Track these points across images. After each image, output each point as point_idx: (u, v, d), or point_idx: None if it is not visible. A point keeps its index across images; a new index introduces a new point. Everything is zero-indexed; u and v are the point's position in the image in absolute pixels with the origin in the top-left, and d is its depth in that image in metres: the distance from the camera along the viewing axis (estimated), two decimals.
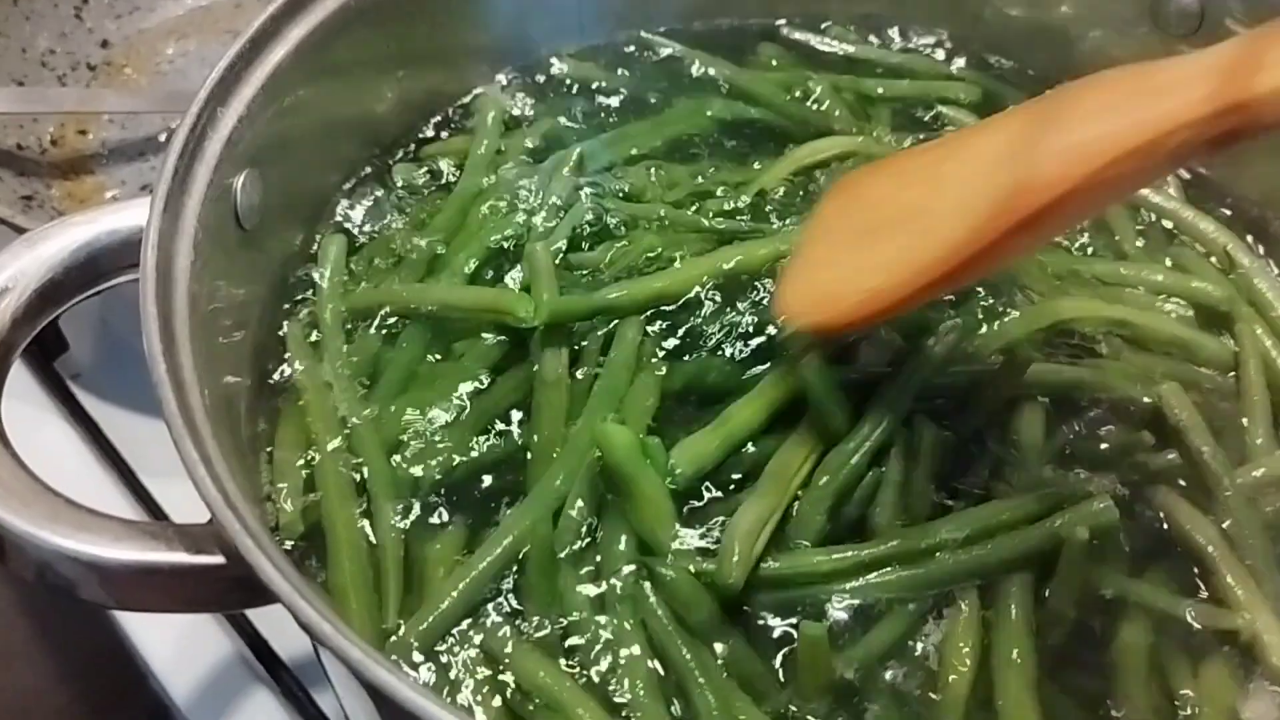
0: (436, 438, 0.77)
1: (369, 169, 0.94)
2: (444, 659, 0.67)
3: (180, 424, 0.60)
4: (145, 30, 1.34)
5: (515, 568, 0.70)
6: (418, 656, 0.67)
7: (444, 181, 0.94)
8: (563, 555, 0.70)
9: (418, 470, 0.75)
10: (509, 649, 0.67)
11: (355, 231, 0.91)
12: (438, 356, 0.82)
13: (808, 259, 0.77)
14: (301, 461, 0.77)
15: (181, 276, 0.69)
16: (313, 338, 0.83)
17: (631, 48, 1.03)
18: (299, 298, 0.86)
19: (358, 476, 0.75)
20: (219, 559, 0.60)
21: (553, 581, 0.69)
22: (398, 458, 0.76)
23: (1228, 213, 0.92)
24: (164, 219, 0.69)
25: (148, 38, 1.34)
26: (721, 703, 0.64)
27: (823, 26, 1.06)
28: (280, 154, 0.82)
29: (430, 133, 0.98)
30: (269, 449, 0.78)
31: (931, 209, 0.68)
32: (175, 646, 0.96)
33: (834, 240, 0.76)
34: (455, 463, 0.75)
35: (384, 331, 0.83)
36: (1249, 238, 0.90)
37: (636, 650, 0.66)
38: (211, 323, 0.73)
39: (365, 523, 0.73)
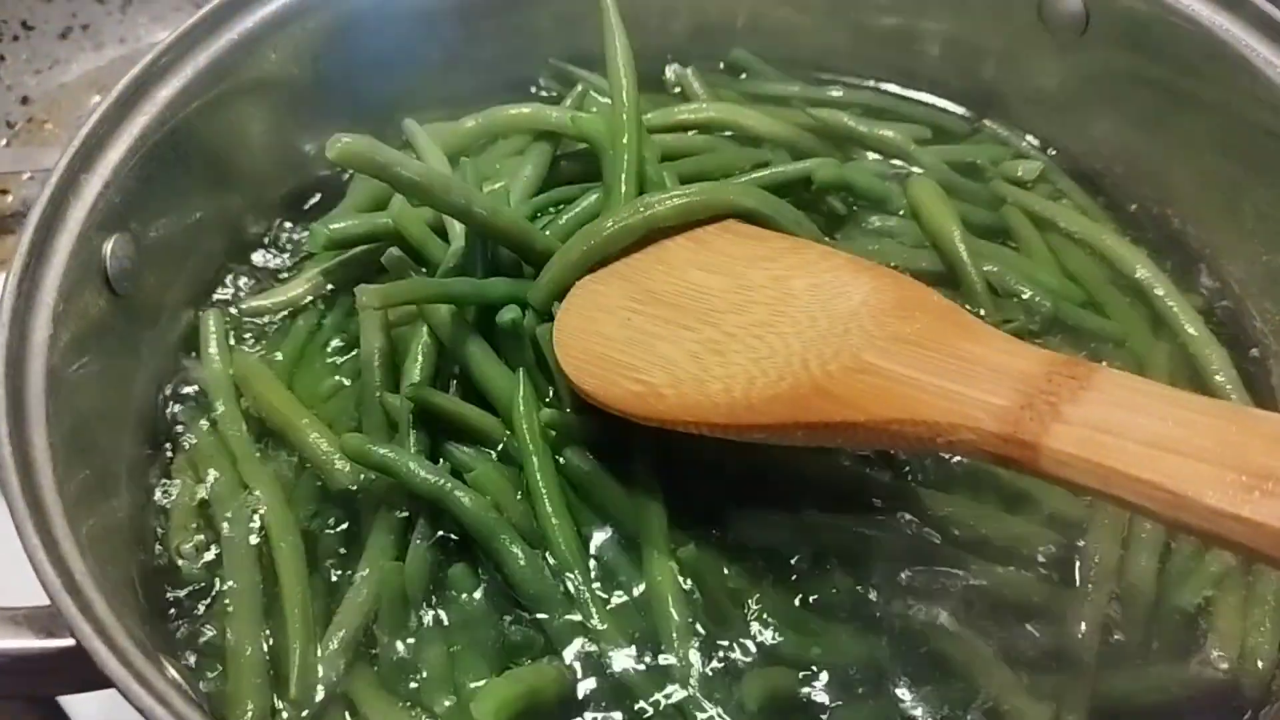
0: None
1: (255, 226, 0.94)
2: None
3: (22, 507, 0.60)
4: (66, 84, 1.34)
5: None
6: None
7: None
8: None
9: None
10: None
11: (243, 288, 0.90)
12: None
13: (599, 300, 0.75)
14: (195, 523, 0.77)
15: (39, 352, 0.69)
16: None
17: None
18: (192, 355, 0.85)
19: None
20: (70, 641, 0.60)
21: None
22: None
23: None
24: (19, 295, 0.69)
25: (69, 91, 1.34)
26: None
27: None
28: (155, 216, 0.81)
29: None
30: (163, 504, 0.78)
31: (733, 333, 0.67)
32: (103, 711, 0.95)
33: (629, 296, 0.74)
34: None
35: None
36: None
37: None
38: (80, 394, 0.72)
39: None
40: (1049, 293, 0.85)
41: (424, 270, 0.83)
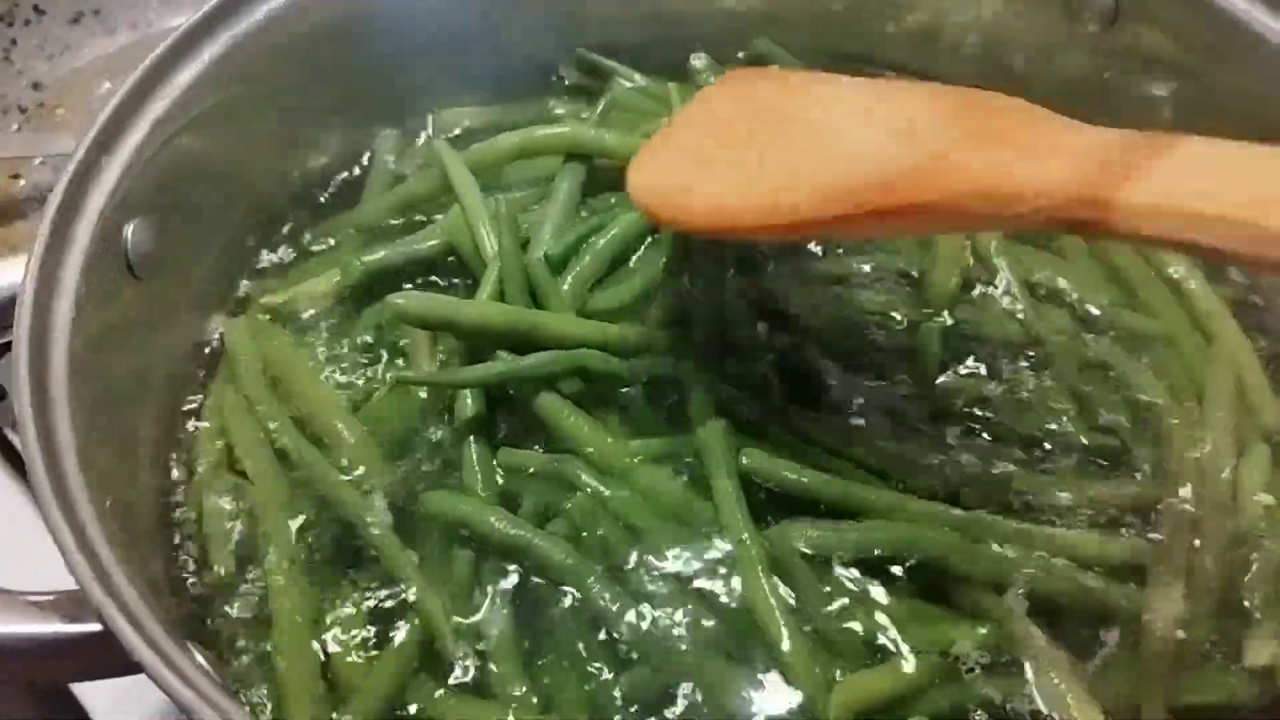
0: None
1: (277, 208, 0.93)
2: None
3: (48, 491, 0.59)
4: (78, 69, 1.33)
5: None
6: None
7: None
8: None
9: None
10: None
11: (266, 271, 0.90)
12: None
13: (675, 141, 0.74)
14: (228, 509, 0.76)
15: (61, 336, 0.68)
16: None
17: None
18: (213, 340, 0.85)
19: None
20: (96, 627, 0.59)
21: None
22: None
23: None
24: (40, 279, 0.68)
25: (80, 77, 1.32)
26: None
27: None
28: (175, 199, 0.80)
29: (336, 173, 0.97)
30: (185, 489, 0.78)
31: (816, 143, 0.67)
32: (115, 695, 0.95)
33: (710, 130, 0.73)
34: None
35: None
36: None
37: None
38: (101, 379, 0.71)
39: None
40: (1094, 294, 0.85)
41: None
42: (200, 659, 0.61)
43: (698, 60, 1.01)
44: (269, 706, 0.67)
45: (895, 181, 0.61)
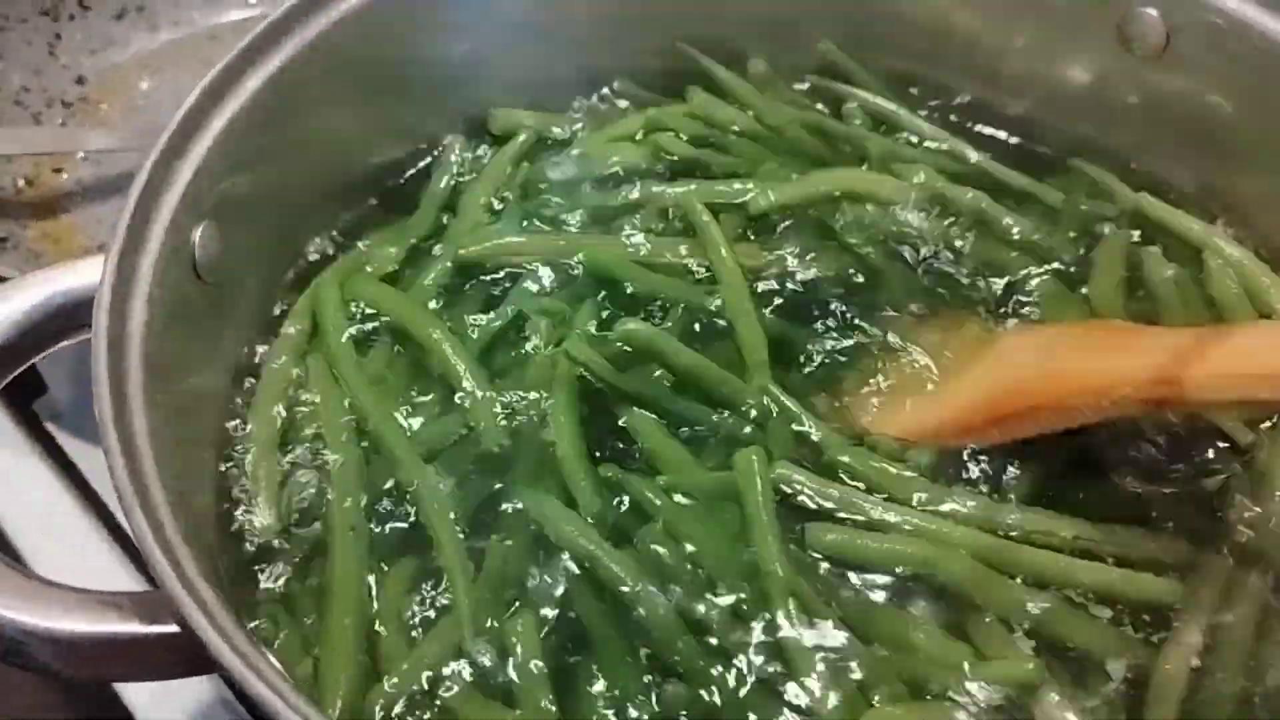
0: None
1: (343, 212, 0.94)
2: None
3: (131, 493, 0.60)
4: (120, 65, 1.33)
5: None
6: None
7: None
8: None
9: None
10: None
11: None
12: None
13: (898, 385, 0.87)
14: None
15: (136, 337, 0.68)
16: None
17: None
18: (267, 347, 0.86)
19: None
20: (173, 628, 0.60)
21: None
22: None
23: None
24: (117, 280, 0.69)
25: (123, 72, 1.33)
26: None
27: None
28: (241, 205, 0.81)
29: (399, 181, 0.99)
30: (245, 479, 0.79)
31: (984, 373, 0.82)
32: (155, 689, 0.96)
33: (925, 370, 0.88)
34: None
35: None
36: None
37: None
38: (172, 376, 0.72)
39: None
40: None
41: None
42: (273, 659, 0.62)
43: (757, 66, 1.02)
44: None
45: (1019, 391, 0.78)
